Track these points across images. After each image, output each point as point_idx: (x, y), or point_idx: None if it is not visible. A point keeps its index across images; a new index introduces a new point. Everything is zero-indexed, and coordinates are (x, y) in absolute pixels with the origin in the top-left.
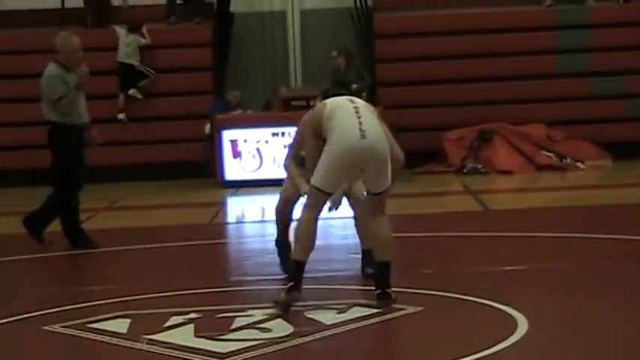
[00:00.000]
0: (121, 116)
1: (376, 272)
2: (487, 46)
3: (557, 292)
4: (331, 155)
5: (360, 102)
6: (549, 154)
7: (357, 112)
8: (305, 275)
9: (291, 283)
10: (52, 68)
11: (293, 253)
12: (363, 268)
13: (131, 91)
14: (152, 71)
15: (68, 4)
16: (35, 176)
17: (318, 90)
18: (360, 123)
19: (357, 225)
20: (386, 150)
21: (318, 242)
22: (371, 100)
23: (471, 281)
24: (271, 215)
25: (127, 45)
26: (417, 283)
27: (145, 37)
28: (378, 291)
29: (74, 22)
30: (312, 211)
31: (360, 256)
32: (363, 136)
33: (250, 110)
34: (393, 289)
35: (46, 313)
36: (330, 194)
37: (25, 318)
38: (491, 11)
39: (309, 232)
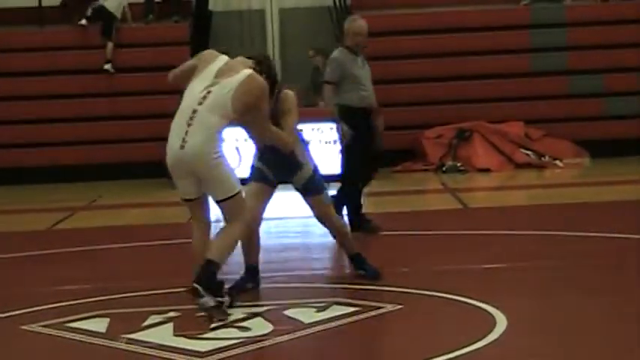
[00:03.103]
0: (107, 66)
1: (201, 267)
2: (465, 44)
3: (536, 290)
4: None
5: (209, 100)
6: (527, 152)
7: (192, 116)
8: (284, 274)
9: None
10: None
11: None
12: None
13: (107, 66)
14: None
15: (45, 3)
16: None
17: (297, 88)
18: (186, 131)
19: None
20: (204, 162)
21: (297, 241)
22: None
23: (449, 279)
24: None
25: None
26: (396, 281)
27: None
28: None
29: (53, 20)
30: (193, 222)
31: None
32: (182, 147)
33: None
34: (375, 287)
35: (25, 313)
36: (188, 200)
37: (3, 317)
38: (468, 10)
39: (194, 246)
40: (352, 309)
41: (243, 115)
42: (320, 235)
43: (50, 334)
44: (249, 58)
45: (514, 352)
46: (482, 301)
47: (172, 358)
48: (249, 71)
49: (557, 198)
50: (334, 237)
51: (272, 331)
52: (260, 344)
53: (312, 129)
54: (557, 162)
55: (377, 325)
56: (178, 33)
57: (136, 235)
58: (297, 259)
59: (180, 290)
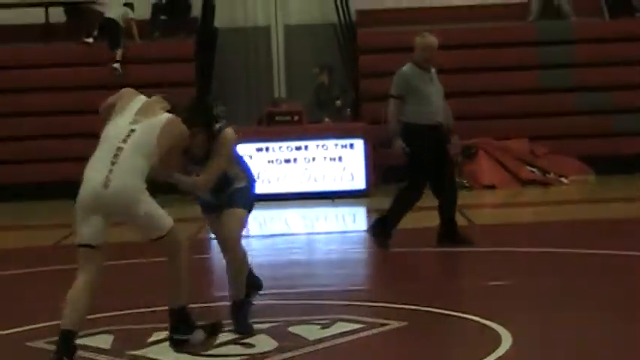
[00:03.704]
0: (116, 65)
1: (172, 317)
2: (471, 61)
3: (541, 307)
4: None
5: (134, 139)
6: (533, 169)
7: (116, 153)
8: (289, 290)
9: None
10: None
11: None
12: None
13: (115, 65)
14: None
15: (52, 19)
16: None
17: (302, 105)
18: (110, 169)
19: None
20: (133, 201)
21: (302, 258)
22: (355, 114)
23: (455, 296)
24: (255, 230)
25: (119, 5)
26: (401, 297)
27: (133, 11)
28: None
29: (59, 36)
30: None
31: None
32: (106, 185)
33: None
34: (380, 304)
35: (30, 329)
36: (88, 246)
37: (10, 334)
38: (475, 27)
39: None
40: (357, 326)
41: (164, 156)
42: (324, 251)
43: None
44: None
45: None
46: (488, 319)
47: None
48: (169, 115)
49: (563, 215)
50: (228, 269)
51: (276, 347)
52: None
53: (317, 145)
54: (563, 179)
55: (381, 342)
56: (184, 50)
57: (140, 252)
58: (301, 275)
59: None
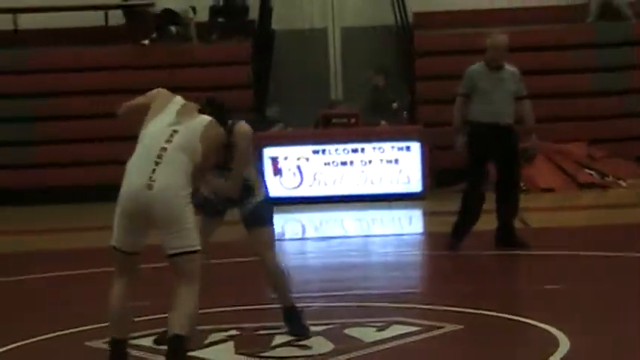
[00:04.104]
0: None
1: (168, 348)
2: (529, 63)
3: (598, 311)
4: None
5: (177, 139)
6: (591, 171)
7: (159, 154)
8: (344, 293)
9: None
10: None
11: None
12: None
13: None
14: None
15: (112, 22)
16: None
17: (358, 107)
18: (154, 170)
19: None
20: (175, 204)
21: (358, 260)
22: (411, 117)
23: (511, 299)
24: (311, 233)
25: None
26: (457, 301)
27: (195, 14)
28: None
29: (117, 39)
30: (117, 278)
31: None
32: (150, 187)
33: (285, 126)
34: (436, 307)
35: (89, 329)
36: (125, 252)
37: (69, 334)
38: (533, 29)
39: (112, 305)
40: (413, 328)
41: (204, 159)
42: (380, 254)
43: None
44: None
45: None
46: (544, 322)
47: None
48: (208, 117)
49: (620, 218)
50: (270, 283)
51: (332, 349)
52: None
53: (373, 148)
54: (621, 182)
55: (437, 345)
56: (241, 52)
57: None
58: (357, 277)
59: (241, 308)
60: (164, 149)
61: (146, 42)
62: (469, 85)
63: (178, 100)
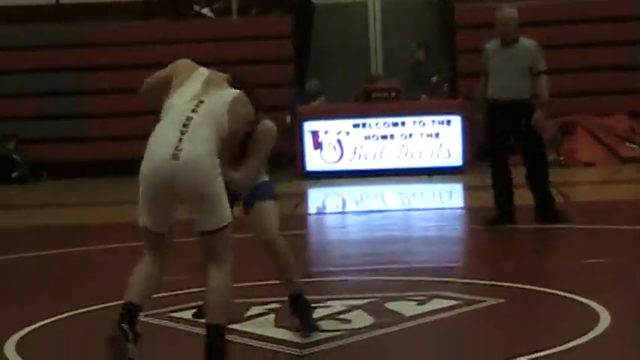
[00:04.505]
0: (205, 10)
1: (207, 338)
2: (570, 36)
3: (638, 285)
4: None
5: (204, 109)
6: (633, 145)
7: (185, 123)
8: (385, 266)
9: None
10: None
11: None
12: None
13: (204, 10)
14: None
15: None
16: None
17: (399, 81)
18: (180, 139)
19: None
20: (205, 174)
21: (399, 234)
22: (452, 91)
23: (551, 273)
24: (351, 206)
25: None
26: (498, 275)
27: None
28: None
29: (158, 14)
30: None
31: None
32: (175, 156)
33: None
34: (476, 281)
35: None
36: (153, 232)
37: (112, 306)
38: (574, 1)
39: (133, 278)
40: (453, 302)
41: (231, 136)
42: (421, 228)
43: (155, 323)
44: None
45: (618, 348)
46: (585, 296)
47: (273, 349)
48: (238, 91)
49: None
50: (275, 267)
51: (372, 323)
52: (360, 337)
53: (414, 122)
54: None
55: (478, 319)
56: (280, 27)
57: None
58: (397, 251)
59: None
60: (190, 119)
61: (191, 15)
62: (485, 63)
63: (204, 71)
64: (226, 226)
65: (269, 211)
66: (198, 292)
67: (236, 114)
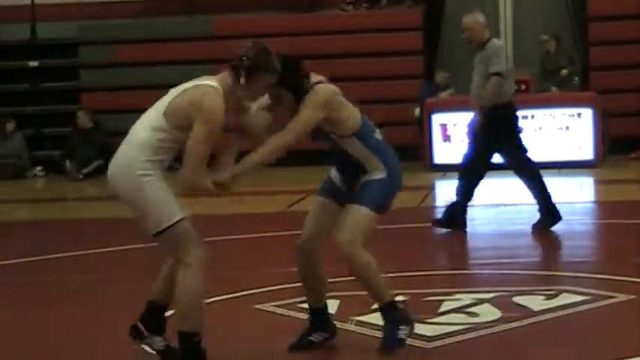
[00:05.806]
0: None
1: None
2: None
3: None
4: None
5: (143, 117)
6: None
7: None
8: (512, 260)
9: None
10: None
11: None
12: None
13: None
14: None
15: None
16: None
17: (529, 74)
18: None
19: None
20: (125, 180)
21: (527, 228)
22: (584, 83)
23: None
24: (479, 200)
25: None
26: (628, 270)
27: None
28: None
29: (289, 6)
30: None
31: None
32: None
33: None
34: (607, 276)
35: (258, 292)
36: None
37: (237, 297)
38: None
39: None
40: (582, 297)
41: (180, 130)
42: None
43: (283, 314)
44: None
45: None
46: None
47: None
48: (206, 81)
49: None
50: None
51: (500, 317)
52: (488, 330)
53: (544, 114)
54: None
55: (608, 315)
56: (411, 19)
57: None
58: (526, 246)
59: (408, 275)
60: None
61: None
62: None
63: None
64: (168, 228)
65: (357, 217)
66: (332, 282)
67: (192, 102)
